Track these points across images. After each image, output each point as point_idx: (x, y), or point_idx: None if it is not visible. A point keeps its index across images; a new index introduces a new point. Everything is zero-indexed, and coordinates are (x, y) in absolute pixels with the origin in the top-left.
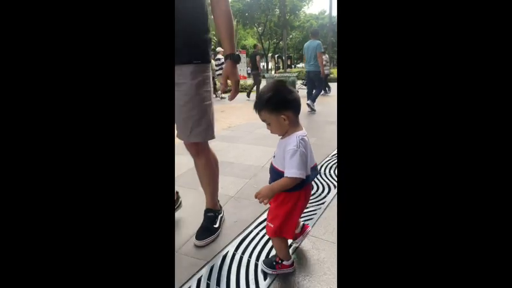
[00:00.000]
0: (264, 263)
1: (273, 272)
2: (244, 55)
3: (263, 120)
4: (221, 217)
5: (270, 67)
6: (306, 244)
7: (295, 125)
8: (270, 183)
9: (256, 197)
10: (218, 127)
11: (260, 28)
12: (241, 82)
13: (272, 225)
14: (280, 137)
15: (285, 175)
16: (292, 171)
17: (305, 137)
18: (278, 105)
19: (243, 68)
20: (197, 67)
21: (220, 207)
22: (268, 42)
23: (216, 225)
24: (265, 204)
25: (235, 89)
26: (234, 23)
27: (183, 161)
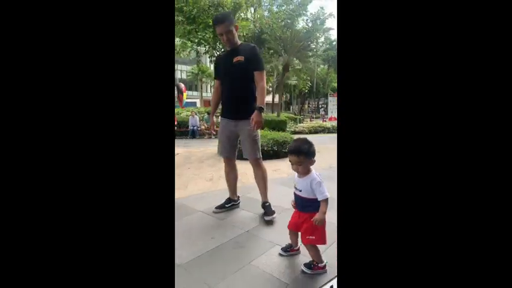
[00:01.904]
0: (304, 266)
1: (311, 272)
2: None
3: (295, 162)
4: (269, 204)
5: None
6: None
7: (310, 168)
8: (299, 209)
9: (317, 223)
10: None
11: None
12: (334, 123)
13: (313, 237)
14: (297, 176)
15: (321, 199)
16: (325, 194)
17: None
18: (312, 154)
19: (334, 110)
20: (248, 121)
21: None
22: None
23: (272, 209)
24: (321, 223)
25: (256, 127)
26: (326, 67)
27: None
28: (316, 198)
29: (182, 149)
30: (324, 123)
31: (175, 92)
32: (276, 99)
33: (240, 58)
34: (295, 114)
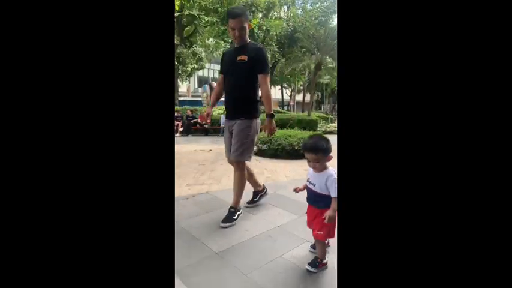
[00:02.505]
0: (309, 265)
1: (316, 271)
2: None
3: (313, 159)
4: (239, 214)
5: None
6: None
7: (327, 164)
8: (310, 202)
9: (327, 221)
10: None
11: None
12: None
13: (322, 232)
14: (312, 172)
15: (335, 196)
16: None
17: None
18: (329, 150)
19: None
20: (243, 121)
21: (240, 208)
22: None
23: (235, 217)
24: (333, 220)
25: (269, 133)
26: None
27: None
28: (329, 195)
29: (214, 146)
30: None
31: (208, 91)
32: (307, 98)
33: (244, 58)
34: (326, 114)
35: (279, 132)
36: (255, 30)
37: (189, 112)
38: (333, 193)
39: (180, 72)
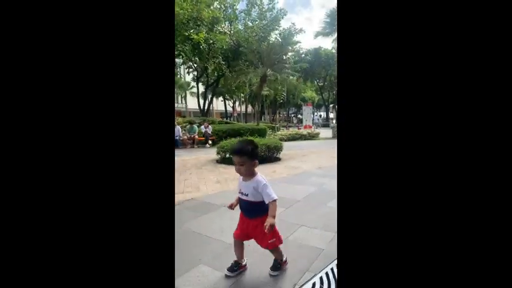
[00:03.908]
0: (271, 269)
1: (280, 272)
2: (311, 107)
3: (238, 162)
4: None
5: (331, 116)
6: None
7: (254, 170)
8: (246, 215)
9: (267, 228)
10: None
11: (320, 82)
12: (309, 131)
13: (274, 239)
14: (242, 180)
15: (269, 201)
16: (272, 196)
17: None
18: (255, 156)
19: (309, 119)
20: None
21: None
22: (328, 93)
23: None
24: (273, 227)
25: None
26: (295, 78)
27: None
28: (263, 201)
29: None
30: (300, 130)
31: None
32: (249, 109)
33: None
34: (271, 123)
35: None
36: (201, 42)
37: None
38: (267, 198)
39: None
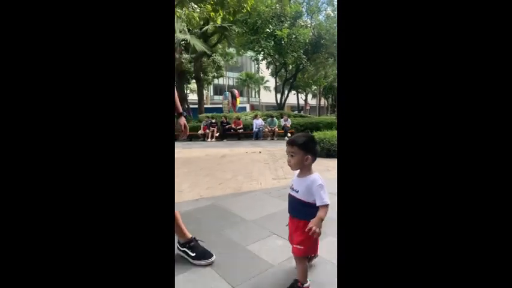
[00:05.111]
0: None
1: None
2: None
3: (288, 152)
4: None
5: None
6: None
7: (311, 167)
8: (292, 212)
9: (310, 230)
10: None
11: None
12: None
13: (302, 247)
14: (296, 178)
15: (320, 204)
16: (324, 200)
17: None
18: (309, 150)
19: None
20: None
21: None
22: None
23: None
24: (318, 233)
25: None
26: None
27: None
28: (314, 203)
29: (259, 149)
30: None
31: (230, 98)
32: (322, 102)
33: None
34: None
35: (322, 134)
36: (284, 38)
37: (223, 119)
38: (319, 201)
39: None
